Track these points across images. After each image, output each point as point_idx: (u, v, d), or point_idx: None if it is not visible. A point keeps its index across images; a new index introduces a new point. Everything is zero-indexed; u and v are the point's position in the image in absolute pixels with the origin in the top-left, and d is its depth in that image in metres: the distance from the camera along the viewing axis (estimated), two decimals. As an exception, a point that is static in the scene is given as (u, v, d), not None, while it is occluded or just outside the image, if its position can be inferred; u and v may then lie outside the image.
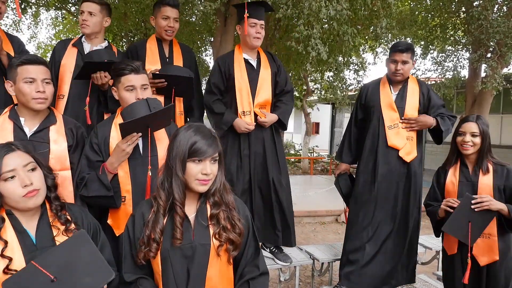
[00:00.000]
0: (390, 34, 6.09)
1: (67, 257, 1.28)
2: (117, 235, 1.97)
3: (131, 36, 9.16)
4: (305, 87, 11.42)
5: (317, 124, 18.99)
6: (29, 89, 1.81)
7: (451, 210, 2.25)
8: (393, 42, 7.51)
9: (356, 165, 3.09)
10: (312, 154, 14.75)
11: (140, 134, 1.88)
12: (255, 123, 2.75)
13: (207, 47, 9.05)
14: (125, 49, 8.77)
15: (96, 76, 2.45)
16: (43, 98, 1.85)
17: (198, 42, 9.21)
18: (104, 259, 1.33)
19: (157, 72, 2.60)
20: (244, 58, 2.81)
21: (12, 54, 2.52)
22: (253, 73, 2.81)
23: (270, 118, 2.80)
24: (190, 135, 1.48)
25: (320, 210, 6.70)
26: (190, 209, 1.56)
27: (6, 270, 1.33)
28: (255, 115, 2.77)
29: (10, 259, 1.34)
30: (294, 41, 4.81)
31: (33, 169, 1.43)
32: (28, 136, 1.87)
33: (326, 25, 5.07)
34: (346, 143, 3.14)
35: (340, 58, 6.81)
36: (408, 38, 7.99)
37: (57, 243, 1.42)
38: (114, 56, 2.38)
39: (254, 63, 2.84)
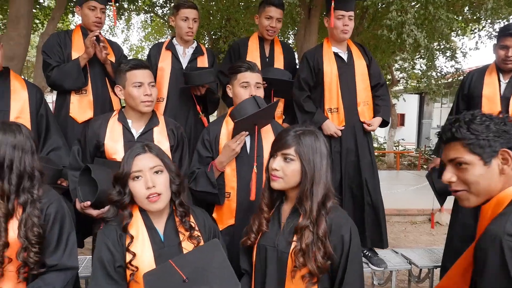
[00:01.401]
0: (495, 16, 5.35)
1: (200, 262, 1.32)
2: (220, 229, 2.00)
3: (214, 34, 9.41)
4: (389, 77, 10.75)
5: (403, 116, 17.84)
6: (138, 92, 1.92)
7: None
8: (497, 23, 6.67)
9: None
10: (398, 148, 13.94)
11: (247, 133, 1.93)
12: (343, 128, 2.64)
13: (287, 40, 8.97)
14: (207, 46, 9.14)
15: (196, 89, 2.58)
16: (150, 100, 1.95)
17: (280, 34, 9.15)
18: (233, 271, 1.34)
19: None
20: (333, 51, 2.68)
21: (114, 60, 2.66)
22: (343, 66, 2.68)
23: (376, 124, 2.72)
24: None
25: (411, 208, 6.25)
26: (284, 212, 1.55)
27: (129, 264, 1.40)
28: (362, 123, 2.69)
29: (134, 255, 1.42)
30: (385, 28, 4.51)
31: (158, 172, 1.47)
32: (136, 137, 1.98)
33: (420, 10, 4.67)
34: None
35: (435, 44, 6.22)
36: (512, 18, 7.02)
37: (182, 247, 1.48)
38: (214, 75, 2.49)
39: (344, 56, 2.70)
